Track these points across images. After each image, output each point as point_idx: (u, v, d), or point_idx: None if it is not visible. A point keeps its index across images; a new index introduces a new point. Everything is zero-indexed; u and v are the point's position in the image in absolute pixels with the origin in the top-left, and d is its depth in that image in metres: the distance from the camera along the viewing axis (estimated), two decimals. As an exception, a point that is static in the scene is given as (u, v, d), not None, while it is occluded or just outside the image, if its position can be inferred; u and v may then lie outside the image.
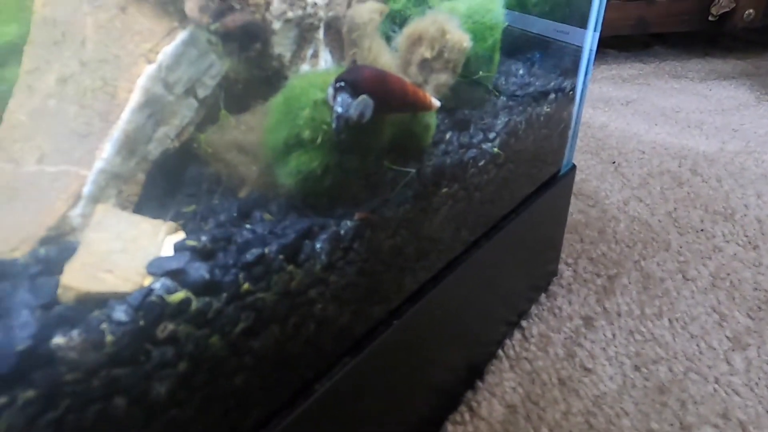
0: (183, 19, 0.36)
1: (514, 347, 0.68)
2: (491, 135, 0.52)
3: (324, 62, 0.44)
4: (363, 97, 0.35)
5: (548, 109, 0.61)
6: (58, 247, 0.31)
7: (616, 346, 0.69)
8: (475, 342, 0.63)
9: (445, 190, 0.47)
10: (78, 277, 0.28)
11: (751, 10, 1.77)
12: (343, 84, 0.35)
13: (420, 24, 0.45)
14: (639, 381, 0.64)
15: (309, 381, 0.39)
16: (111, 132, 0.33)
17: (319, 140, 0.36)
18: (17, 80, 0.34)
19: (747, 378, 0.64)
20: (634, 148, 1.22)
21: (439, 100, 0.42)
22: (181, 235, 0.33)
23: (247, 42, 0.37)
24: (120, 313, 0.27)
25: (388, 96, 0.37)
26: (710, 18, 1.80)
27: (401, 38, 0.46)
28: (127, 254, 0.30)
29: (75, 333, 0.25)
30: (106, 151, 0.33)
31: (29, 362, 0.24)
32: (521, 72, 0.66)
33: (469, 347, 0.62)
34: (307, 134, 0.35)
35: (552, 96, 0.63)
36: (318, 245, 0.36)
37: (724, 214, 0.97)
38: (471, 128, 0.52)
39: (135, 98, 0.34)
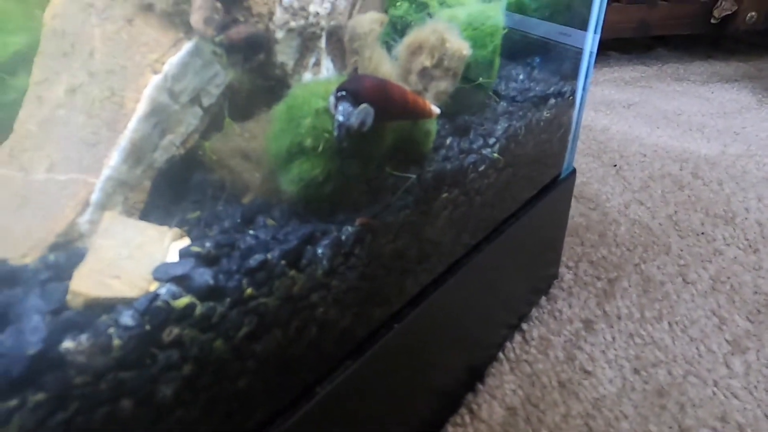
0: (188, 30, 0.36)
1: (514, 350, 0.69)
2: (491, 140, 0.53)
3: (326, 71, 0.45)
4: (364, 105, 0.36)
5: (548, 114, 0.62)
6: (67, 253, 0.32)
7: (615, 349, 0.69)
8: (476, 345, 0.64)
9: (445, 195, 0.48)
10: (86, 283, 0.28)
11: (753, 13, 1.77)
12: (344, 93, 0.36)
13: (420, 33, 0.46)
14: (638, 384, 0.64)
15: (311, 384, 0.40)
16: (118, 140, 0.34)
17: (320, 148, 0.36)
18: (27, 90, 0.35)
19: (746, 381, 0.65)
20: (635, 151, 1.22)
21: (440, 106, 0.42)
22: (186, 241, 0.34)
23: (250, 53, 0.38)
24: (127, 318, 0.28)
25: (388, 104, 0.38)
26: (712, 21, 1.80)
27: (401, 47, 0.47)
28: (133, 260, 0.31)
29: (83, 337, 0.26)
30: (113, 159, 0.34)
31: (39, 366, 0.25)
32: (521, 77, 0.67)
33: (470, 350, 0.62)
34: (309, 142, 0.36)
35: (552, 100, 0.64)
36: (320, 250, 0.37)
37: (724, 217, 0.98)
38: (471, 134, 0.53)
39: (141, 107, 0.35)
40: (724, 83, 1.68)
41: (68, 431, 0.26)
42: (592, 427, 0.59)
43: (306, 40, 0.43)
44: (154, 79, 0.35)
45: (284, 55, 0.42)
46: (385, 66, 0.46)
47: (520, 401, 0.62)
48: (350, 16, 0.46)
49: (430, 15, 0.54)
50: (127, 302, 0.28)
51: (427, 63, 0.45)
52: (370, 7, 0.48)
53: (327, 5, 0.43)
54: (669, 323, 0.74)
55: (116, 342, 0.27)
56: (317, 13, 0.43)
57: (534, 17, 0.69)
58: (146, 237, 0.33)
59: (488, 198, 0.55)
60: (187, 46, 0.36)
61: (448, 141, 0.50)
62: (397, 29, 0.54)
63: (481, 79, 0.53)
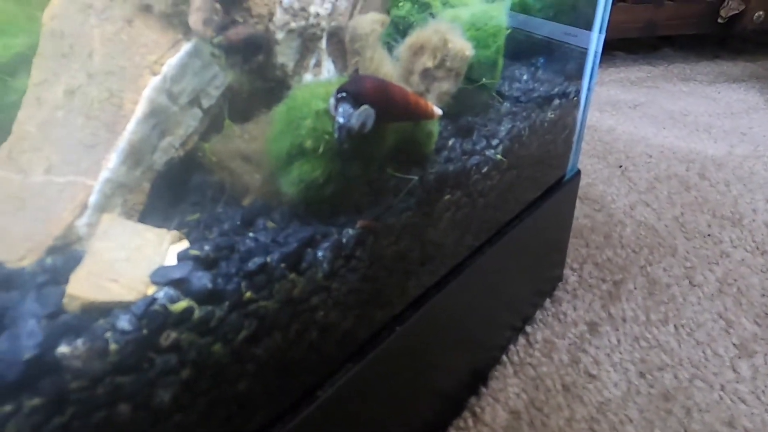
0: (187, 31, 0.36)
1: (518, 353, 0.68)
2: (494, 141, 0.52)
3: (326, 71, 0.45)
4: (364, 107, 0.35)
5: (552, 114, 0.61)
6: (65, 256, 0.31)
7: (621, 353, 0.68)
8: (479, 347, 0.63)
9: (448, 197, 0.47)
10: (83, 287, 0.28)
11: (760, 12, 1.75)
12: (344, 94, 0.35)
13: (422, 33, 0.46)
14: (644, 388, 0.64)
15: (312, 387, 0.39)
16: (117, 142, 0.34)
17: (321, 150, 0.36)
18: (26, 91, 0.35)
19: (753, 386, 0.64)
20: (641, 152, 1.21)
21: (442, 107, 0.42)
22: (184, 244, 0.34)
23: (250, 54, 0.38)
24: (124, 322, 0.27)
25: (389, 106, 0.37)
26: (719, 20, 1.78)
27: (403, 48, 0.46)
28: (131, 263, 0.30)
29: (80, 342, 0.26)
30: (112, 161, 0.34)
31: (35, 370, 0.25)
32: (525, 77, 0.66)
33: (473, 353, 0.62)
34: (309, 144, 0.36)
35: (556, 101, 0.63)
36: (320, 253, 0.36)
37: (731, 219, 0.97)
38: (474, 135, 0.52)
39: (140, 109, 0.35)
40: (731, 83, 1.67)
41: (64, 436, 0.26)
42: (597, 431, 0.58)
43: (306, 41, 0.43)
44: (153, 81, 0.35)
45: (284, 56, 0.42)
46: (386, 67, 0.45)
47: (523, 405, 0.61)
48: (351, 16, 0.45)
49: (432, 15, 0.54)
50: (125, 306, 0.28)
51: (429, 64, 0.45)
52: (371, 8, 0.48)
53: (328, 6, 0.43)
54: (675, 326, 0.73)
55: (113, 346, 0.27)
56: (318, 14, 0.42)
57: (538, 17, 0.68)
58: (145, 240, 0.32)
59: (491, 200, 0.54)
60: (186, 47, 0.36)
61: (451, 142, 0.50)
62: (399, 30, 0.54)
63: (484, 79, 0.53)
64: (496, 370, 0.66)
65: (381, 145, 0.40)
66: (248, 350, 0.33)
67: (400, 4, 0.56)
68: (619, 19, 1.70)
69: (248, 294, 0.32)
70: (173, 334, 0.29)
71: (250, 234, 0.35)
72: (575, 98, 0.67)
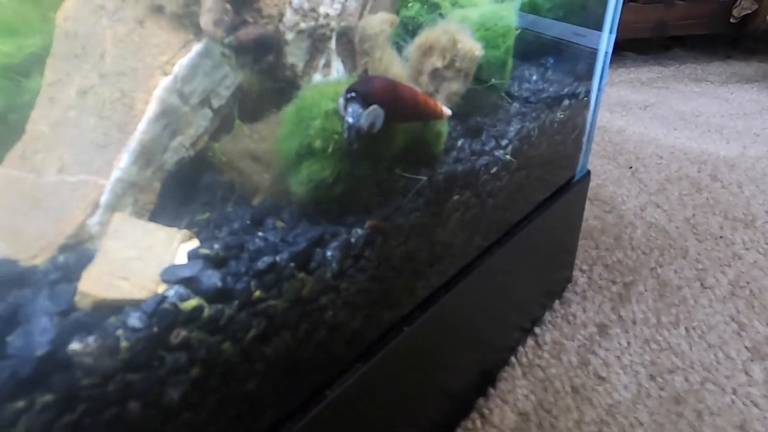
0: (198, 32, 0.36)
1: (526, 354, 0.68)
2: (504, 142, 0.52)
3: (336, 72, 0.45)
4: (374, 107, 0.35)
5: (562, 115, 0.61)
6: (77, 254, 0.32)
7: (630, 355, 0.68)
8: (488, 348, 0.63)
9: (456, 197, 0.47)
10: (95, 285, 0.28)
11: (774, 12, 1.73)
12: (354, 94, 0.35)
13: (431, 34, 0.46)
14: (654, 391, 0.63)
15: (320, 386, 0.40)
16: (128, 142, 0.34)
17: (330, 149, 0.36)
18: (40, 91, 0.36)
19: (766, 389, 0.63)
20: (652, 153, 1.20)
21: (451, 108, 0.42)
22: (195, 243, 0.34)
23: (260, 54, 0.38)
24: (135, 320, 0.28)
25: (398, 106, 0.37)
26: (731, 20, 1.77)
27: (412, 48, 0.46)
28: (142, 262, 0.31)
29: (91, 339, 0.26)
30: (123, 161, 0.34)
31: (47, 367, 0.25)
32: (535, 77, 0.66)
33: (481, 354, 0.62)
34: (318, 144, 0.36)
35: (566, 101, 0.63)
36: (329, 253, 0.36)
37: (744, 220, 0.96)
38: (483, 135, 0.52)
39: (152, 109, 0.35)
40: (743, 84, 1.65)
41: (76, 432, 0.26)
42: (607, 433, 0.58)
43: (316, 42, 0.43)
44: (164, 81, 0.35)
45: (294, 56, 0.42)
46: (395, 67, 0.45)
47: (532, 406, 0.61)
48: (360, 17, 0.46)
49: (441, 15, 0.54)
50: (135, 304, 0.28)
51: (439, 64, 0.45)
52: (380, 8, 0.48)
53: (337, 6, 0.43)
54: (686, 329, 0.72)
55: (124, 344, 0.27)
56: (327, 14, 0.43)
57: (548, 17, 0.68)
58: (155, 238, 0.33)
59: (500, 200, 0.54)
60: (196, 47, 0.36)
61: (460, 142, 0.50)
62: (408, 30, 0.54)
63: (493, 80, 0.53)
64: (505, 372, 0.65)
65: (390, 145, 0.40)
66: (257, 349, 0.33)
67: (410, 4, 0.56)
68: (630, 19, 1.69)
69: (257, 293, 0.32)
70: (183, 332, 0.29)
71: (260, 233, 0.35)
72: (585, 99, 0.66)
